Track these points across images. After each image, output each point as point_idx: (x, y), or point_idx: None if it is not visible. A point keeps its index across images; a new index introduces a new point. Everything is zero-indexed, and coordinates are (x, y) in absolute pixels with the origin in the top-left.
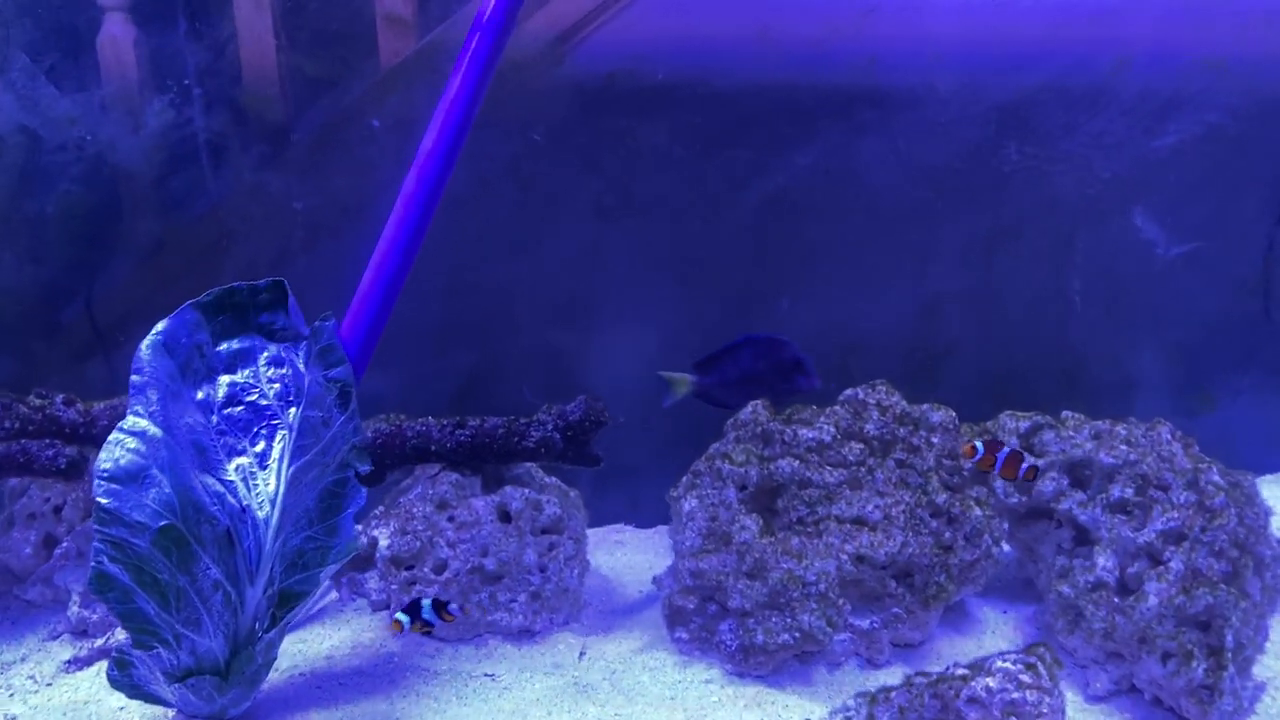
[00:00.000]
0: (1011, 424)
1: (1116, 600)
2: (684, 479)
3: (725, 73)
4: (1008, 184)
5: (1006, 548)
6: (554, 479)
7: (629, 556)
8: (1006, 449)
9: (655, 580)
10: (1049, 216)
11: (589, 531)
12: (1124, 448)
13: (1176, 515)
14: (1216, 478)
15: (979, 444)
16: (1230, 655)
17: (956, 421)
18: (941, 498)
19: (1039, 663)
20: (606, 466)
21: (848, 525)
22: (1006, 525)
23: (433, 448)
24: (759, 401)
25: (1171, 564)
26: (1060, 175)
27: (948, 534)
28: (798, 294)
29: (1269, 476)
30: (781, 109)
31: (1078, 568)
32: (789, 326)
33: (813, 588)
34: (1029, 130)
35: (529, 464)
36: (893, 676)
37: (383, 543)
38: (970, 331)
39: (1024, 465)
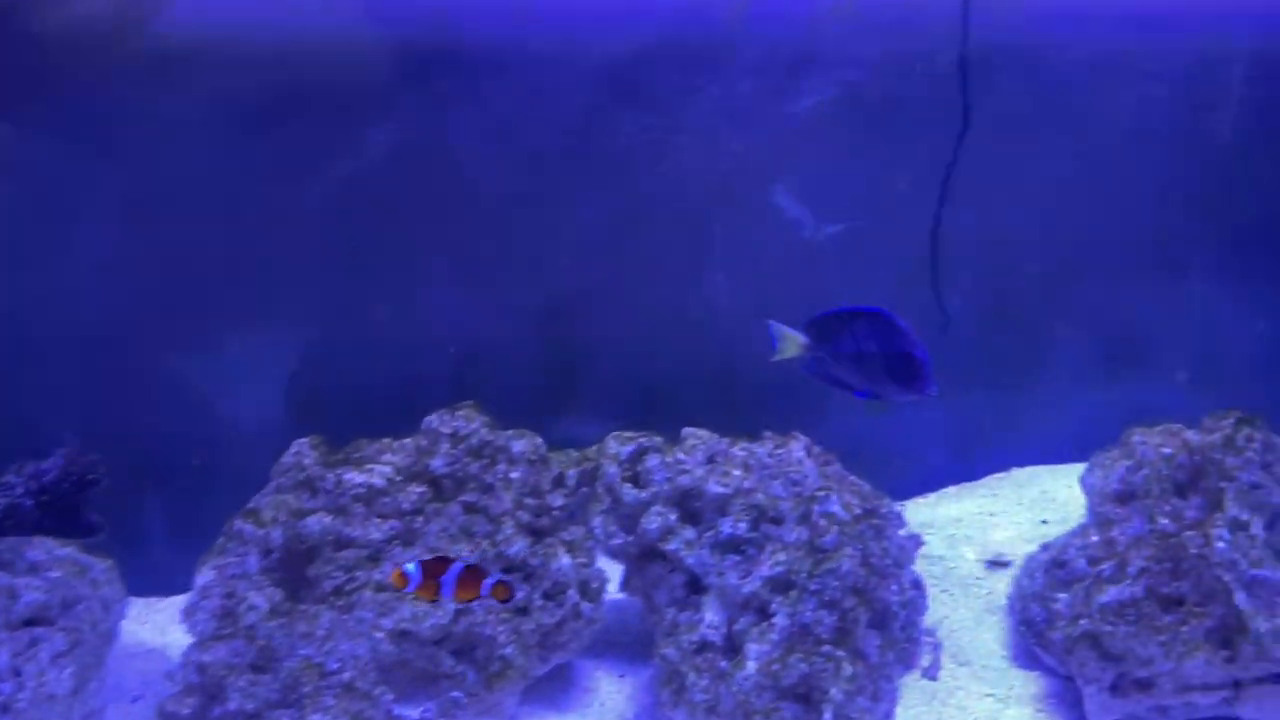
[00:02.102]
0: (615, 448)
1: (723, 664)
2: (217, 543)
3: (261, 27)
4: (627, 160)
5: (621, 596)
6: (69, 550)
7: None
8: (459, 565)
9: (169, 676)
10: (678, 198)
11: (166, 601)
12: (738, 473)
13: (785, 557)
14: (834, 508)
15: (412, 568)
16: None
17: (543, 451)
18: (517, 546)
19: None
20: (191, 521)
21: (391, 593)
22: (621, 570)
23: None
24: (304, 440)
25: (776, 620)
26: (686, 148)
27: (522, 593)
28: (398, 299)
29: (952, 489)
30: (343, 74)
31: (683, 624)
32: (392, 338)
33: (335, 678)
34: (644, 96)
35: (16, 538)
36: None
37: None
38: (607, 334)
39: (488, 581)
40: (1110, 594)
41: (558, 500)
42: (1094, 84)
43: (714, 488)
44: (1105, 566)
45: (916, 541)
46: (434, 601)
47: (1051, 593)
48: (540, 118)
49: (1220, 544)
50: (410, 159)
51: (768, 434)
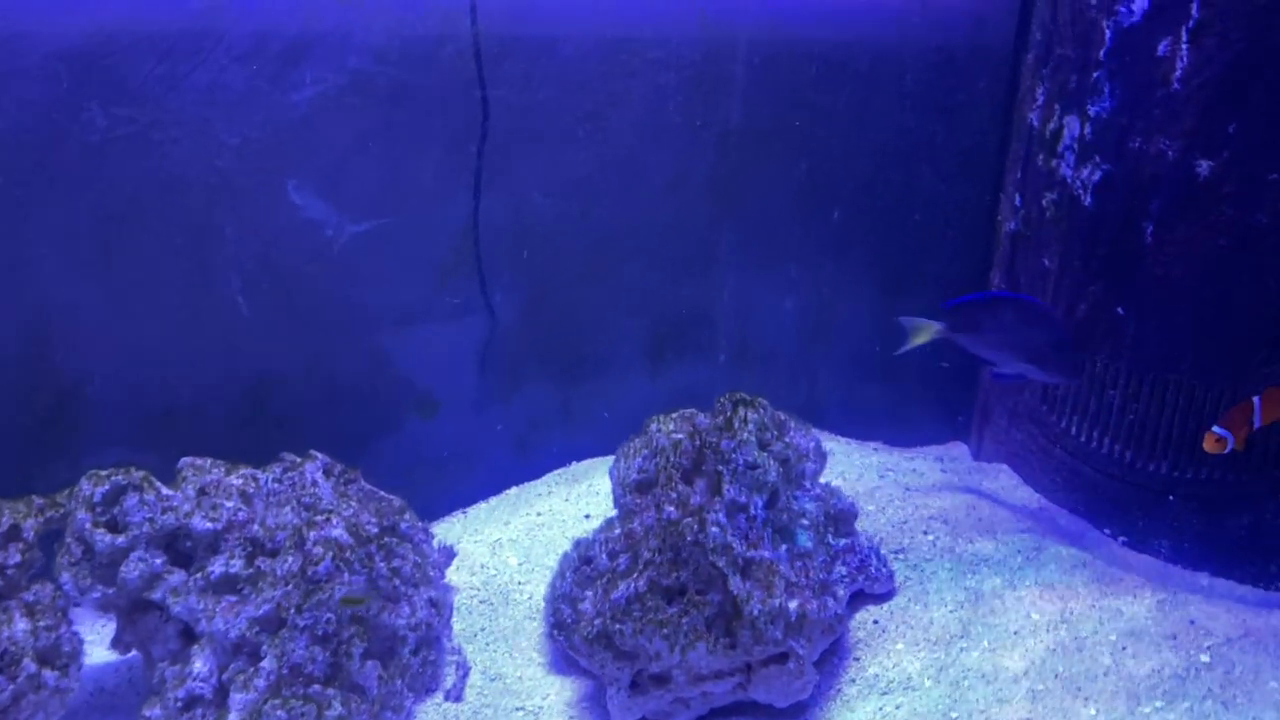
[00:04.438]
0: (88, 489)
1: None
2: None
3: None
4: (105, 158)
5: (115, 656)
6: None
7: None
8: None
9: None
10: (174, 198)
11: None
12: (230, 504)
13: (274, 594)
14: (334, 533)
15: None
16: None
17: None
18: None
19: None
20: None
21: None
22: (115, 627)
23: None
24: None
25: (264, 664)
26: (175, 144)
27: None
28: None
29: (514, 489)
30: None
31: (171, 679)
32: None
33: None
34: (116, 87)
35: None
36: None
37: None
38: (107, 358)
39: None
40: (620, 589)
41: (14, 558)
42: (607, 72)
43: (202, 524)
44: (622, 560)
45: (448, 554)
46: None
47: (580, 591)
48: None
49: (714, 529)
50: None
51: (284, 455)
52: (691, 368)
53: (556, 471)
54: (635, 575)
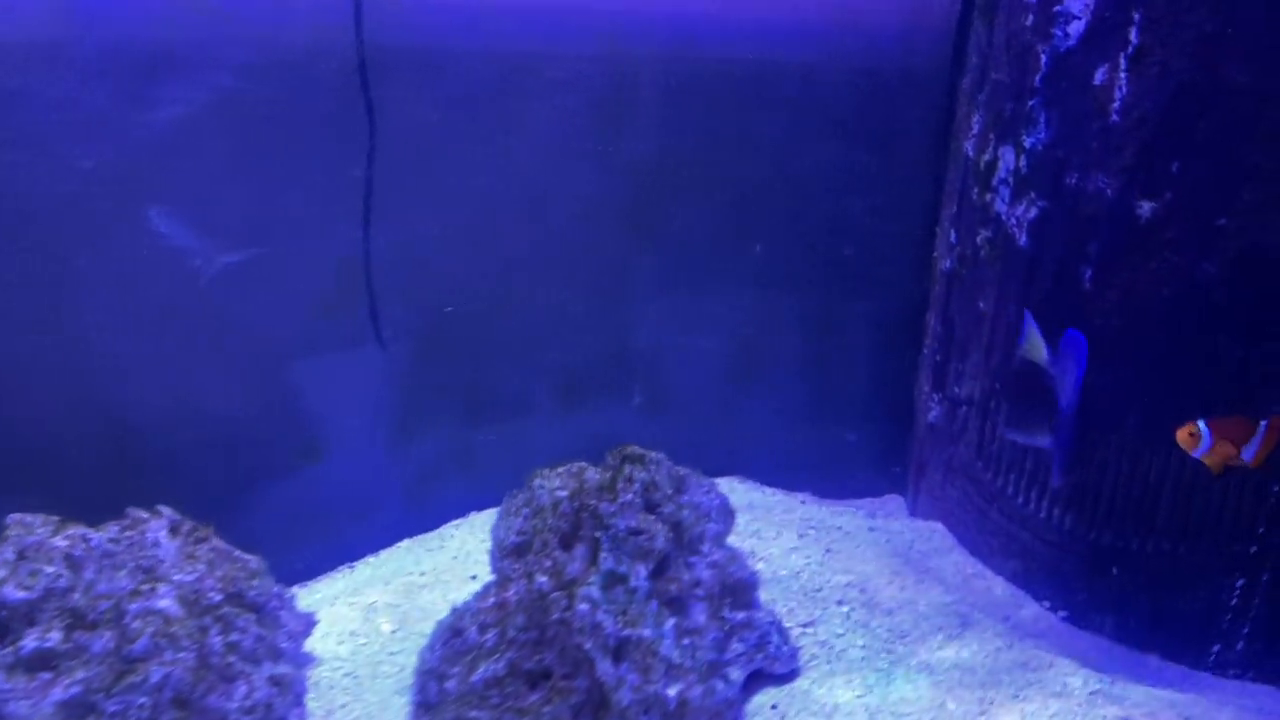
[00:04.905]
0: None
1: None
2: None
3: None
4: None
5: None
6: None
7: None
8: None
9: None
10: (21, 225)
11: None
12: (50, 570)
13: (86, 674)
14: (160, 604)
15: None
16: None
17: None
18: None
19: None
20: None
21: None
22: None
23: None
24: None
25: None
26: (20, 168)
27: None
28: None
29: (406, 542)
30: None
31: None
32: None
33: None
34: None
35: None
36: None
37: None
38: None
39: None
40: (481, 670)
41: None
42: (506, 92)
43: (14, 593)
44: (490, 635)
45: (308, 622)
46: None
47: (448, 667)
48: None
49: (582, 606)
50: None
51: (129, 511)
52: (604, 410)
53: (454, 522)
54: (497, 655)
